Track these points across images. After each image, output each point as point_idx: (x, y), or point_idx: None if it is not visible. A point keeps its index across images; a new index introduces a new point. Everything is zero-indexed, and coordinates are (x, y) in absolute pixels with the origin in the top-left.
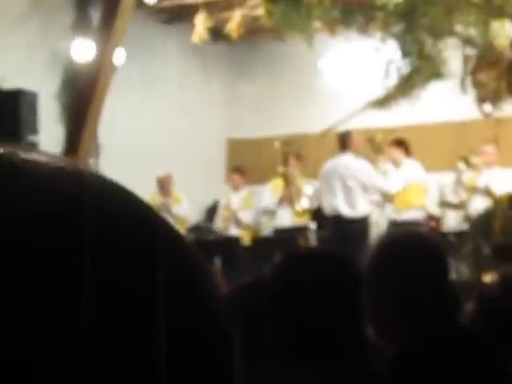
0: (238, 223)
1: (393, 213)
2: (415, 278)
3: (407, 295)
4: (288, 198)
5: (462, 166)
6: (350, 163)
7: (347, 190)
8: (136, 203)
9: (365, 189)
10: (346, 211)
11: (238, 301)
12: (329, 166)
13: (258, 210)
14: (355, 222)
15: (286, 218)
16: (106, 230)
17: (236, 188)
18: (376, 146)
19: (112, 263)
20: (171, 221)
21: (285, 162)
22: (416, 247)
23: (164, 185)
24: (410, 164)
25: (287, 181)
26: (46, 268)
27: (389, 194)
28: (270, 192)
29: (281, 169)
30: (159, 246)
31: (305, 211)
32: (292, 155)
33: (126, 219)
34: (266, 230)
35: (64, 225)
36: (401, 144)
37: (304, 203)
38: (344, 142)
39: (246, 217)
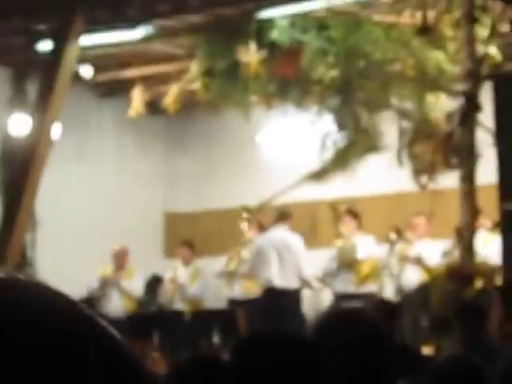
0: (185, 297)
1: (346, 285)
2: (352, 350)
3: (346, 369)
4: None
5: (393, 236)
6: (286, 237)
7: (282, 262)
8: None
9: (296, 266)
10: (280, 283)
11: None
12: (263, 239)
13: (204, 282)
14: (289, 294)
15: (237, 288)
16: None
17: (185, 262)
18: (338, 214)
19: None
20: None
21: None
22: (355, 327)
23: (119, 258)
24: (365, 238)
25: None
26: None
27: (307, 282)
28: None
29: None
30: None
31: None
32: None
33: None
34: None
35: None
36: (354, 216)
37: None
38: (282, 215)
39: (194, 290)
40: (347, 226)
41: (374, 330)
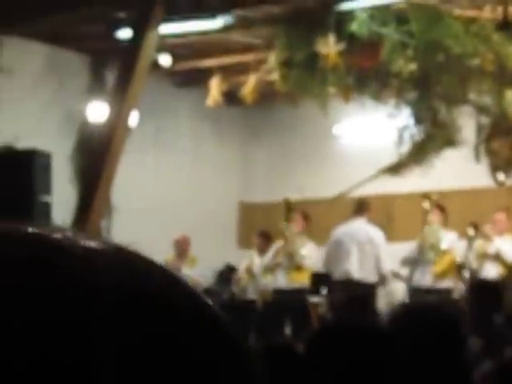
0: (257, 287)
1: (424, 278)
2: (426, 354)
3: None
4: (286, 257)
5: (471, 232)
6: (369, 230)
7: (363, 255)
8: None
9: (376, 260)
10: (359, 275)
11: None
12: (343, 231)
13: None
14: (366, 286)
15: (281, 279)
16: (122, 302)
17: (261, 252)
18: (432, 203)
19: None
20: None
21: (288, 219)
22: (432, 322)
23: (181, 247)
24: (450, 232)
25: (287, 240)
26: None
27: (385, 277)
28: (272, 252)
29: (283, 225)
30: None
31: (304, 272)
32: (299, 214)
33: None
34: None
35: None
36: (442, 209)
37: (305, 263)
38: (360, 207)
39: (266, 282)
40: (435, 218)
41: (452, 326)
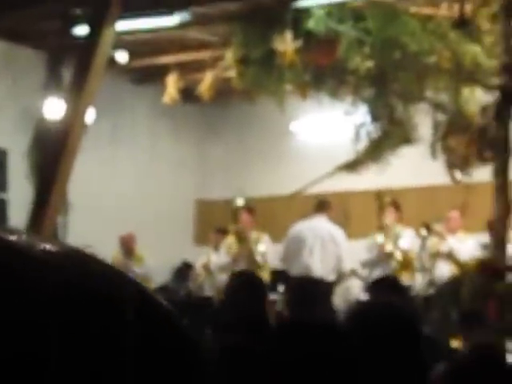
0: (214, 283)
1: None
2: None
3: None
4: (243, 255)
5: (423, 232)
6: (330, 228)
7: (325, 252)
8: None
9: (338, 258)
10: (320, 271)
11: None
12: (305, 227)
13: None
14: (326, 284)
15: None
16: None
17: (218, 248)
18: (383, 204)
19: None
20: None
21: (234, 220)
22: (387, 316)
23: (127, 244)
24: (407, 230)
25: (241, 238)
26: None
27: (344, 275)
28: (223, 250)
29: (232, 226)
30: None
31: (264, 270)
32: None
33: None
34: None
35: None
36: (398, 207)
37: (261, 260)
38: (322, 205)
39: (224, 278)
40: (390, 216)
41: (407, 322)
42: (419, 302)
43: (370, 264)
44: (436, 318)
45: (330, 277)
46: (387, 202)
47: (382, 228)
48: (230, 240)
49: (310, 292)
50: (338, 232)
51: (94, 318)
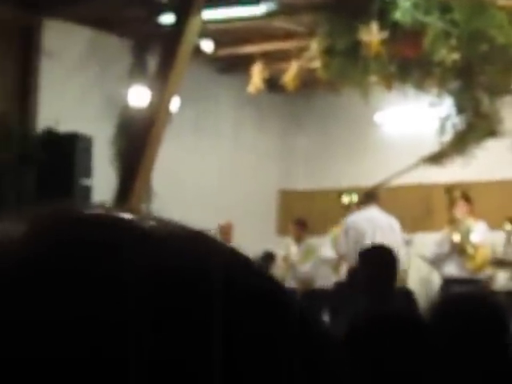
0: (296, 275)
1: (458, 270)
2: (477, 341)
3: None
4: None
5: (508, 226)
6: (388, 218)
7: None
8: (264, 282)
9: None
10: None
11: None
12: (360, 218)
13: (316, 261)
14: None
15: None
16: (233, 307)
17: (297, 240)
18: (453, 198)
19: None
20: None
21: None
22: (479, 310)
23: (225, 233)
24: (479, 223)
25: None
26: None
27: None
28: (329, 243)
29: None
30: (284, 334)
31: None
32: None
33: (253, 300)
34: (325, 281)
35: (194, 296)
36: (468, 201)
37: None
38: (371, 196)
39: (306, 269)
40: (461, 210)
41: (495, 315)
42: (502, 297)
43: (439, 259)
44: None
45: None
46: (457, 195)
47: (453, 222)
48: (335, 232)
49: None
50: (394, 221)
51: (262, 321)
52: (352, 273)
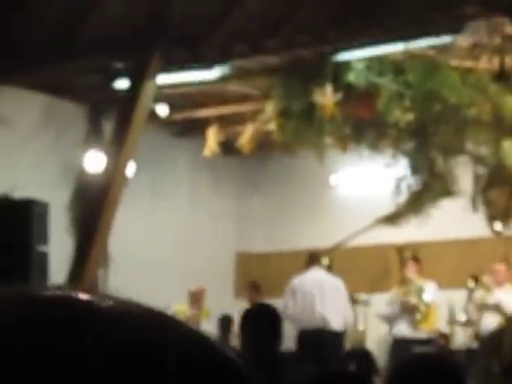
0: None
1: (409, 330)
2: None
3: None
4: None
5: (471, 284)
6: (333, 279)
7: (334, 303)
8: (217, 355)
9: (345, 307)
10: (335, 323)
11: None
12: (306, 280)
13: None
14: (341, 335)
15: (404, 328)
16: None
17: (252, 303)
18: (403, 258)
19: None
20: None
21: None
22: (435, 369)
23: (196, 298)
24: (429, 283)
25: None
26: None
27: (351, 325)
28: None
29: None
30: None
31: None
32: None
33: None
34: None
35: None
36: (418, 261)
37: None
38: (315, 257)
39: None
40: (411, 270)
41: (454, 374)
42: (462, 354)
43: (390, 318)
44: (478, 371)
45: (340, 327)
46: (407, 255)
47: (403, 282)
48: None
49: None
50: (339, 282)
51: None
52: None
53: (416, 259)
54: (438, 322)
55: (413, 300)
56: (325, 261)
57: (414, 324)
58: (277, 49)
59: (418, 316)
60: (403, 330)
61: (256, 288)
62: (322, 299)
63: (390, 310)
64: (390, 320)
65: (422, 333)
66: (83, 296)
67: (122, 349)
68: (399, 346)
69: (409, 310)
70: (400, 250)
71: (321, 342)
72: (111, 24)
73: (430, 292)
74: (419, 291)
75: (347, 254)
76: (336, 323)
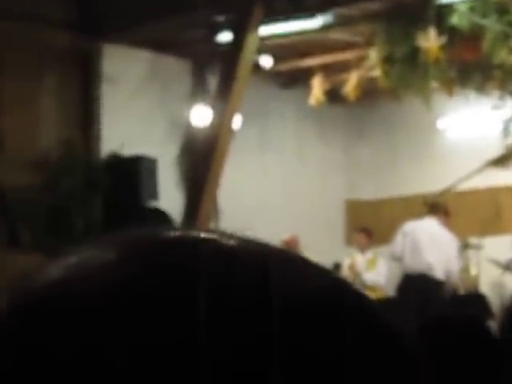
0: (363, 284)
1: None
2: None
3: None
4: None
5: None
6: (441, 231)
7: (440, 253)
8: (321, 278)
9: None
10: (439, 272)
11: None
12: (417, 227)
13: (383, 268)
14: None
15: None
16: (294, 305)
17: (362, 249)
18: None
19: (300, 334)
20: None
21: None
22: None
23: (291, 247)
24: None
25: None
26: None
27: (454, 279)
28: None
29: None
30: (344, 318)
31: None
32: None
33: (312, 295)
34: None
35: (258, 298)
36: None
37: None
38: (435, 208)
39: (371, 278)
40: None
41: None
42: None
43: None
44: None
45: (443, 276)
46: None
47: None
48: None
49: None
50: (448, 234)
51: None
52: None
53: None
54: None
55: None
56: (443, 209)
57: None
58: None
59: None
60: None
61: (368, 234)
62: (430, 248)
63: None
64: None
65: None
66: (206, 236)
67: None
68: None
69: None
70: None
71: (425, 287)
72: None
73: None
74: None
75: (457, 198)
76: (440, 272)
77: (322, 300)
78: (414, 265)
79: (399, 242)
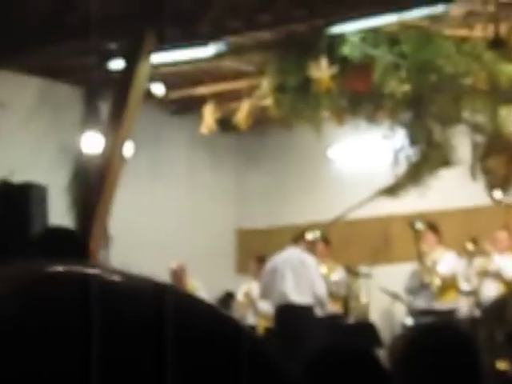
0: (257, 312)
1: (427, 301)
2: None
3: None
4: None
5: (470, 247)
6: (299, 254)
7: (297, 277)
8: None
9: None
10: (294, 296)
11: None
12: (277, 259)
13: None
14: (305, 309)
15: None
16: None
17: (258, 277)
18: (417, 232)
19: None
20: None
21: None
22: (448, 341)
23: (178, 276)
24: (447, 253)
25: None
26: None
27: (321, 300)
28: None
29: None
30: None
31: None
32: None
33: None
34: None
35: (148, 334)
36: (435, 230)
37: None
38: (297, 237)
39: (265, 307)
40: (428, 242)
41: (467, 344)
42: (465, 323)
43: (412, 291)
44: (481, 340)
45: (307, 300)
46: (423, 227)
47: (420, 255)
48: None
49: (291, 320)
50: (307, 257)
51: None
52: None
53: (434, 229)
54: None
55: (426, 278)
56: (315, 234)
57: (431, 296)
58: (271, 24)
59: (435, 290)
60: (421, 302)
61: (262, 262)
62: (282, 276)
63: (411, 284)
64: (412, 293)
65: (441, 305)
66: (92, 271)
67: (127, 325)
68: (416, 318)
69: (426, 283)
70: (411, 222)
71: (292, 316)
72: (104, 4)
73: (447, 263)
74: (433, 264)
75: (347, 227)
76: (304, 298)
77: (215, 339)
78: (272, 298)
79: (260, 283)
